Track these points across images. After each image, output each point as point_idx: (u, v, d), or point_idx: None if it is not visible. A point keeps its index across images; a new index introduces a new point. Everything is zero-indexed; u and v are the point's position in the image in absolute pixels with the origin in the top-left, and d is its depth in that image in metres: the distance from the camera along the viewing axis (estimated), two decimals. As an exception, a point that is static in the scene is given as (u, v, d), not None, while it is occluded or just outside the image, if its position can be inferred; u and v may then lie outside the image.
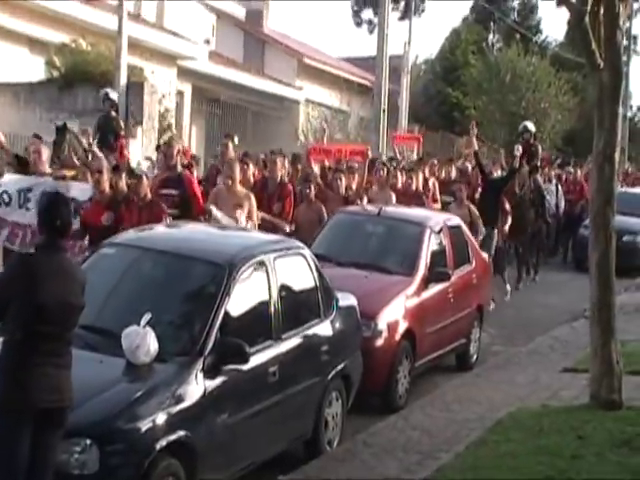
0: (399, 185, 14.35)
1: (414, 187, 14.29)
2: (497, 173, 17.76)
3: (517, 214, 15.87)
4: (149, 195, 9.68)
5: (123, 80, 17.49)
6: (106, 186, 9.99)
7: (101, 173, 10.05)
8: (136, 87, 18.64)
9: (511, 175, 16.08)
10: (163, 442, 5.75)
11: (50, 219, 5.37)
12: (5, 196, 10.26)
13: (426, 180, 15.57)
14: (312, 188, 12.09)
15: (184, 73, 27.48)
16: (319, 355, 7.70)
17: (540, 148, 19.54)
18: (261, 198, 11.27)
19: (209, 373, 6.24)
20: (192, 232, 8.30)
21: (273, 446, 7.14)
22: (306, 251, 8.07)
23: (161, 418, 5.80)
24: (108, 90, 15.11)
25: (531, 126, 18.77)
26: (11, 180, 10.53)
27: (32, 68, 21.67)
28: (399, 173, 14.77)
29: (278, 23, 41.94)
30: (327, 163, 14.80)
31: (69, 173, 11.13)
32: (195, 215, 10.09)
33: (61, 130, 13.60)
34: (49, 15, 22.03)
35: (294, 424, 7.38)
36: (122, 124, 13.58)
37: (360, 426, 8.36)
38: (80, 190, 10.07)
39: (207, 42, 32.42)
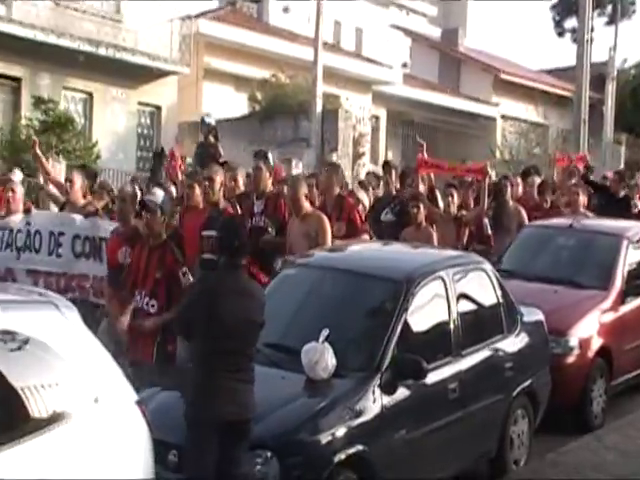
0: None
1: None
2: None
3: None
4: (164, 234, 8.03)
5: (319, 108, 18.01)
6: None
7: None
8: (331, 114, 19.17)
9: None
10: (342, 455, 5.89)
11: (229, 240, 5.80)
12: (37, 240, 9.34)
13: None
14: (422, 209, 10.57)
15: (379, 98, 28.22)
16: (502, 372, 7.66)
17: None
18: None
19: (386, 388, 6.34)
20: (371, 250, 8.47)
21: (454, 464, 7.11)
22: (487, 266, 8.07)
23: (339, 432, 5.95)
24: (204, 116, 14.65)
25: None
26: (42, 218, 9.78)
27: (236, 104, 23.09)
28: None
29: (475, 40, 41.69)
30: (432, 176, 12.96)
31: (100, 203, 10.13)
32: None
33: (158, 156, 13.69)
34: (252, 53, 23.38)
35: (476, 442, 7.35)
36: (221, 151, 12.87)
37: (550, 446, 8.22)
38: (105, 230, 9.13)
39: (404, 66, 32.96)
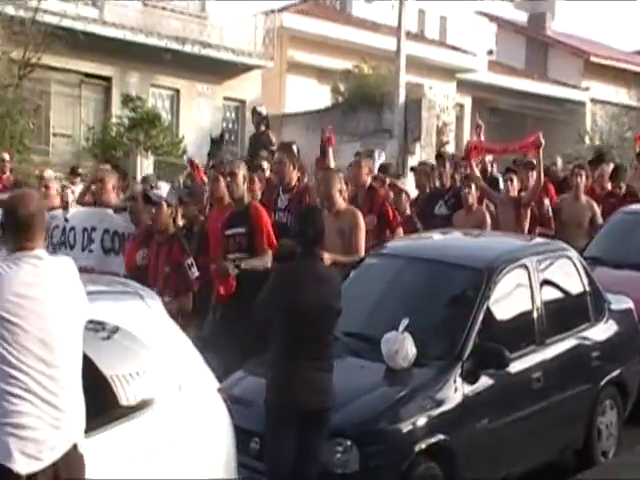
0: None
1: None
2: None
3: None
4: (171, 228, 7.90)
5: (402, 98, 17.99)
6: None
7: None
8: (414, 104, 19.10)
9: None
10: (422, 445, 5.89)
11: (305, 229, 5.86)
12: (71, 236, 9.19)
13: None
14: (473, 191, 10.16)
15: (464, 86, 28.04)
16: (589, 361, 7.56)
17: None
18: None
19: (468, 378, 6.31)
20: (453, 239, 8.42)
21: (538, 455, 7.03)
22: (572, 253, 7.95)
23: (420, 421, 5.95)
24: (256, 106, 14.34)
25: None
26: (79, 214, 9.53)
27: (319, 96, 23.21)
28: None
29: (563, 23, 40.92)
30: (489, 158, 12.58)
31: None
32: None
33: (216, 142, 13.65)
34: (335, 45, 23.51)
35: (562, 433, 7.25)
36: (273, 139, 12.50)
37: (642, 438, 8.04)
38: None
39: (490, 53, 32.67)
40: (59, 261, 4.56)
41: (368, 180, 9.61)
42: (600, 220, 11.04)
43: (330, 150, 10.24)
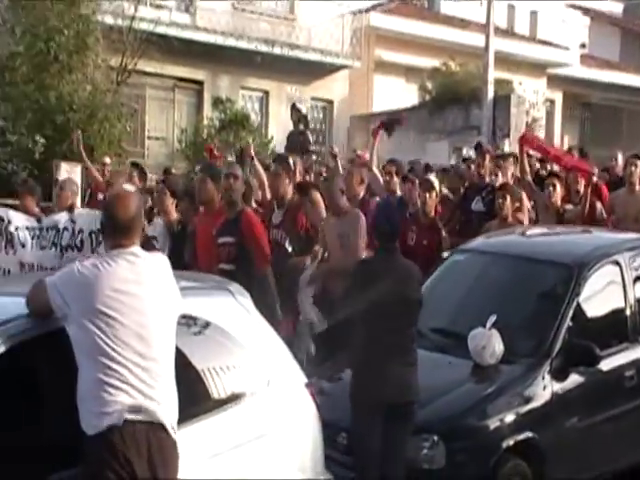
0: None
1: None
2: None
3: None
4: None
5: (490, 95, 17.88)
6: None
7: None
8: (503, 100, 18.92)
9: None
10: (510, 441, 5.86)
11: (383, 227, 5.92)
12: (79, 238, 8.68)
13: None
14: (508, 201, 9.03)
15: (554, 80, 27.65)
16: (684, 359, 7.35)
17: None
18: None
19: (557, 375, 6.26)
20: (542, 234, 8.31)
21: (630, 455, 6.87)
22: None
23: (508, 418, 5.93)
24: (295, 101, 14.12)
25: None
26: (85, 216, 8.92)
27: (407, 95, 23.22)
28: None
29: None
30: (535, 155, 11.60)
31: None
32: (256, 272, 7.25)
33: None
34: (422, 43, 23.49)
35: None
36: (310, 138, 11.87)
37: None
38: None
39: (583, 46, 32.16)
40: (154, 258, 4.68)
41: (362, 190, 9.09)
42: None
43: (374, 145, 10.07)
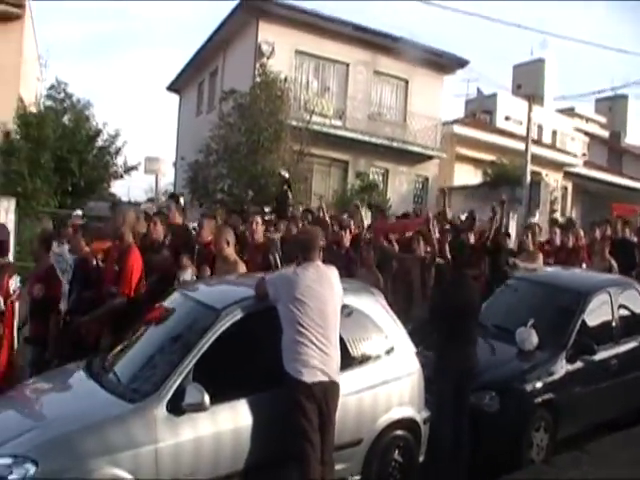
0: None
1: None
2: None
3: None
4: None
5: (528, 180, 17.38)
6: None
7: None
8: (535, 185, 18.34)
9: None
10: (539, 399, 5.73)
11: (456, 257, 5.65)
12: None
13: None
14: (530, 238, 8.18)
15: (567, 175, 27.04)
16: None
17: None
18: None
19: (570, 360, 6.08)
20: (563, 272, 7.82)
21: (613, 411, 6.61)
22: (637, 285, 7.23)
23: (538, 384, 5.78)
24: (281, 170, 11.61)
25: None
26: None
27: (474, 177, 22.89)
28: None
29: (635, 137, 38.15)
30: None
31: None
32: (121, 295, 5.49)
33: (171, 197, 9.20)
34: (485, 145, 23.22)
35: (629, 397, 6.71)
36: (291, 197, 9.78)
37: None
38: None
39: (584, 155, 31.50)
40: (329, 268, 4.67)
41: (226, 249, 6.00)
42: None
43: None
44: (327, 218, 8.55)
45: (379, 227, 8.65)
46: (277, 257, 6.50)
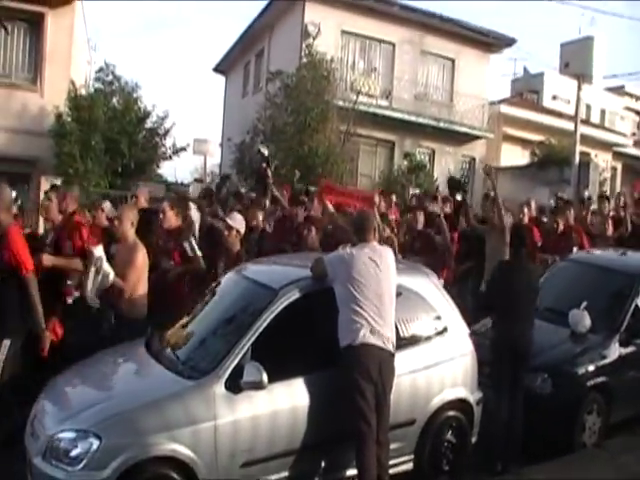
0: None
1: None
2: None
3: None
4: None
5: (576, 161, 16.99)
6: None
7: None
8: (584, 165, 17.90)
9: None
10: (592, 382, 5.66)
11: (515, 242, 5.58)
12: None
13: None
14: (313, 231, 6.86)
15: (617, 155, 26.29)
16: None
17: None
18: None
19: (623, 343, 5.96)
20: (615, 254, 7.46)
21: None
22: None
23: (591, 367, 5.71)
24: (260, 146, 10.89)
25: None
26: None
27: (522, 157, 22.52)
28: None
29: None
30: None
31: None
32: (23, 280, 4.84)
33: (223, 179, 10.74)
34: (533, 125, 22.72)
35: None
36: (269, 174, 9.12)
37: None
38: None
39: (633, 134, 30.20)
40: (384, 248, 4.68)
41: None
42: None
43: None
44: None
45: (327, 186, 8.51)
46: (192, 242, 6.18)
